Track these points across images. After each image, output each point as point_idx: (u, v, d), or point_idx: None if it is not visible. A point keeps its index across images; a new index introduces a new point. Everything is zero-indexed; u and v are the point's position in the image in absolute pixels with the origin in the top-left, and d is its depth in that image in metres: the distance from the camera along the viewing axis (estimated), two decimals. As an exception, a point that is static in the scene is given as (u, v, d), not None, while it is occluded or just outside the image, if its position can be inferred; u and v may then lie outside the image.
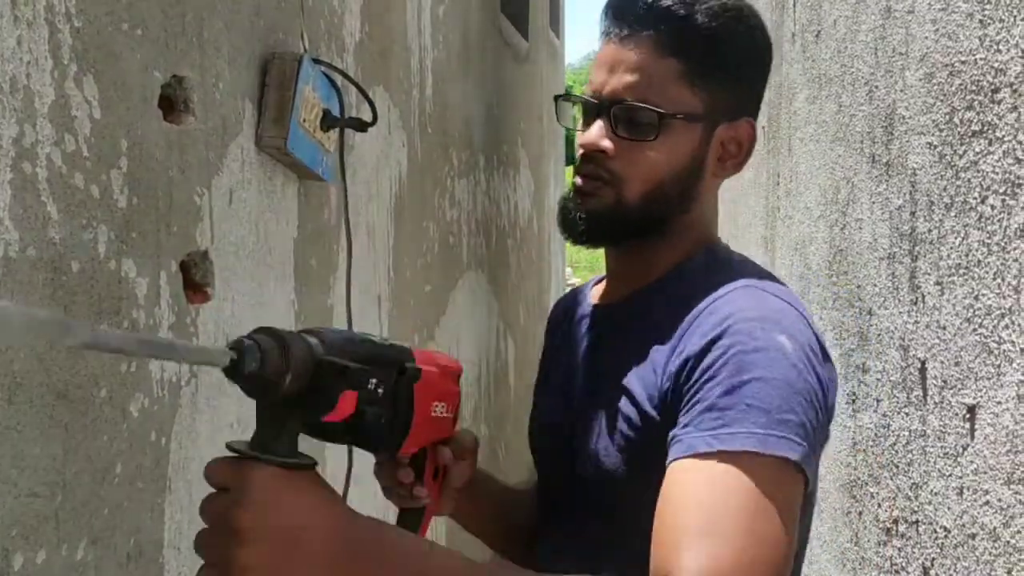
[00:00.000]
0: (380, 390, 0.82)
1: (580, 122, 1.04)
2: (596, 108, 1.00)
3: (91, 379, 1.05)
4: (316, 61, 1.58)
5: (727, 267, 0.99)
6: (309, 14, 1.68)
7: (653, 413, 0.92)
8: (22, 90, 0.92)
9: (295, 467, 0.72)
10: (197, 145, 1.30)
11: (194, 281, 1.31)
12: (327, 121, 1.61)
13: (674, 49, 0.96)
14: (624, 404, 0.95)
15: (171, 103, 1.24)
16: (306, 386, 0.72)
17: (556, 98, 1.12)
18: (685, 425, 0.85)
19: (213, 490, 0.73)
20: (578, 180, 1.03)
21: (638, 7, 0.98)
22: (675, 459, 0.84)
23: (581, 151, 1.02)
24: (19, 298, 0.92)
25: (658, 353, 0.94)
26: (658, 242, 1.03)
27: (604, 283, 1.13)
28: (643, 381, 0.94)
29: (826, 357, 0.92)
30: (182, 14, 1.25)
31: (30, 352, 0.94)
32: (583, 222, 1.02)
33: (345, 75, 1.67)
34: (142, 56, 1.15)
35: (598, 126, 1.00)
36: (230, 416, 1.42)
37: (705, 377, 0.86)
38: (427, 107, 2.84)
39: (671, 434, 0.87)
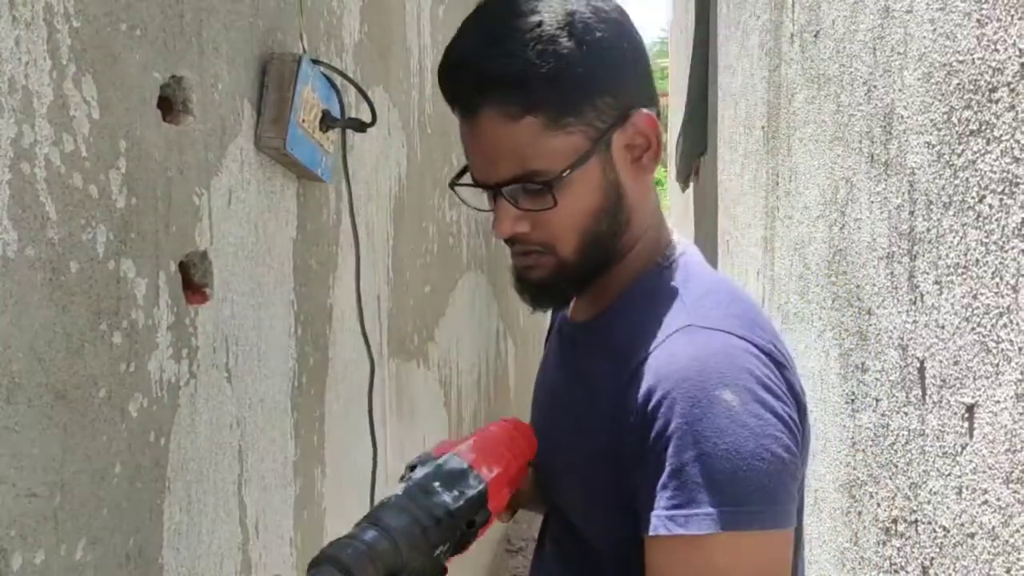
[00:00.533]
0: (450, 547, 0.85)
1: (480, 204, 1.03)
2: (492, 195, 0.98)
3: (90, 379, 1.05)
4: (315, 62, 1.59)
5: (670, 296, 0.96)
6: (308, 14, 1.68)
7: (607, 445, 0.91)
8: (20, 90, 0.92)
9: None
10: (196, 145, 1.30)
11: (193, 282, 1.31)
12: (326, 122, 1.61)
13: (523, 109, 0.91)
14: (582, 436, 0.95)
15: (170, 103, 1.24)
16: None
17: (451, 186, 1.08)
18: (650, 499, 0.85)
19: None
20: (515, 261, 1.02)
21: (467, 85, 0.94)
22: (645, 535, 0.85)
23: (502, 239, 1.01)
24: (14, 300, 0.92)
25: (606, 393, 0.93)
26: (616, 265, 1.01)
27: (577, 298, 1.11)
28: (595, 414, 0.94)
29: (784, 365, 0.90)
30: (181, 14, 1.25)
31: (29, 352, 0.94)
32: (539, 294, 1.02)
33: (344, 75, 1.67)
34: (141, 56, 1.15)
35: (503, 211, 0.97)
36: (229, 417, 1.42)
37: (656, 447, 0.85)
38: (427, 107, 2.84)
39: (639, 501, 0.86)
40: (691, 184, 5.20)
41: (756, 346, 0.88)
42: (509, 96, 0.90)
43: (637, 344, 0.91)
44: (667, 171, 15.22)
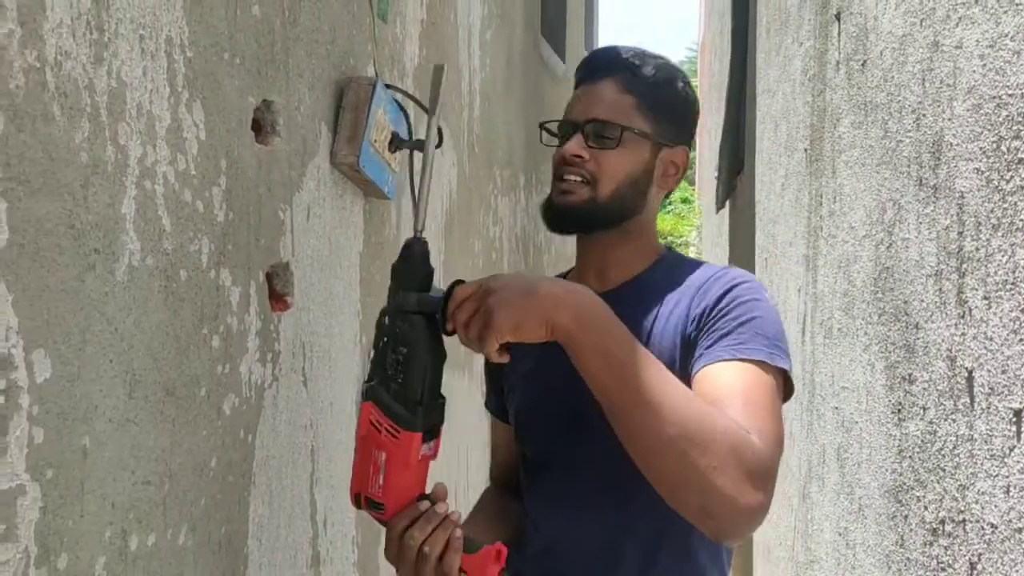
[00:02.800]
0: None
1: (559, 141, 1.33)
2: (572, 128, 1.30)
3: (194, 378, 1.14)
4: (387, 86, 1.68)
5: (693, 261, 1.32)
6: (377, 41, 1.78)
7: (685, 354, 1.18)
8: (145, 115, 1.02)
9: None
10: (282, 164, 1.39)
11: (276, 290, 1.40)
12: (395, 143, 1.70)
13: (629, 89, 1.28)
14: (661, 357, 1.15)
15: (260, 126, 1.34)
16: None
17: (541, 124, 1.39)
18: (709, 346, 1.14)
19: None
20: (561, 183, 1.29)
21: (604, 59, 1.32)
22: (703, 366, 1.13)
23: (561, 158, 1.29)
24: (137, 304, 1.01)
25: (674, 315, 1.22)
26: (624, 243, 1.31)
27: (574, 280, 1.35)
28: (668, 338, 1.21)
29: None
30: (272, 43, 1.35)
31: (147, 351, 1.03)
32: (563, 216, 1.29)
33: (416, 100, 1.76)
34: (239, 82, 1.25)
35: (576, 139, 1.28)
36: (304, 418, 1.51)
37: (720, 315, 1.16)
38: (475, 127, 2.94)
39: (696, 355, 1.15)
40: (727, 204, 5.26)
41: None
42: (627, 77, 1.29)
43: (692, 279, 1.24)
44: (696, 191, 15.23)
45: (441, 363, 1.10)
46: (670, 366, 1.15)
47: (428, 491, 1.17)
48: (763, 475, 1.02)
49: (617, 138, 1.26)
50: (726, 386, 1.09)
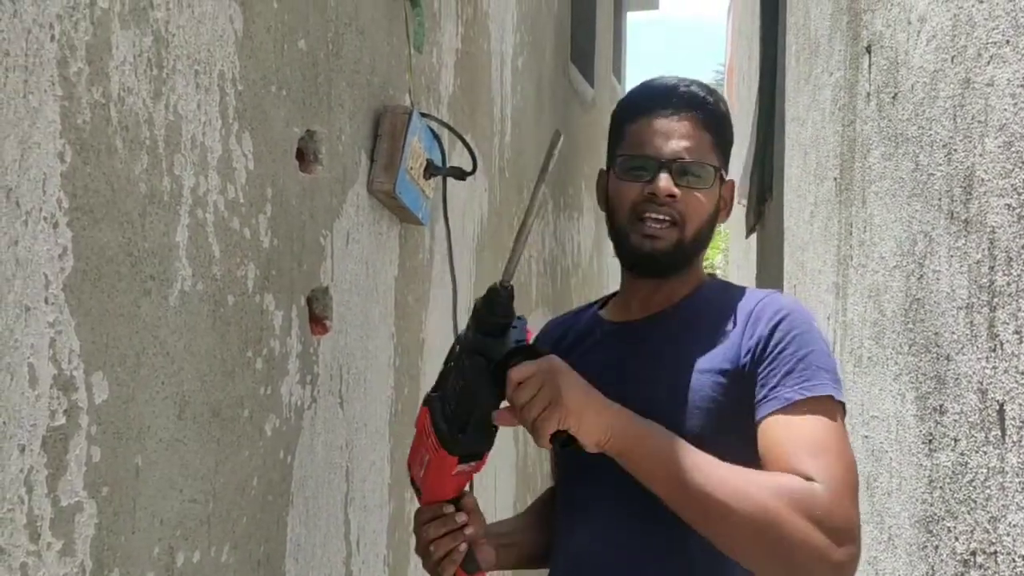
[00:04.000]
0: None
1: (629, 175, 1.29)
2: (658, 165, 1.25)
3: (238, 400, 1.18)
4: (423, 115, 1.72)
5: (737, 287, 1.31)
6: (414, 70, 1.83)
7: (732, 380, 1.18)
8: (199, 146, 1.06)
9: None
10: (323, 192, 1.43)
11: (316, 314, 1.44)
12: (430, 170, 1.74)
13: (707, 126, 1.27)
14: (704, 380, 1.19)
15: (304, 155, 1.38)
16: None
17: (618, 154, 1.32)
18: (774, 387, 1.14)
19: None
20: (648, 223, 1.25)
21: (681, 95, 1.28)
22: (773, 411, 1.12)
23: (650, 195, 1.25)
24: (187, 328, 1.05)
25: (722, 342, 1.21)
26: (679, 274, 1.30)
27: (618, 306, 1.37)
28: (718, 362, 1.20)
29: None
30: (316, 75, 1.39)
31: (195, 373, 1.07)
32: (651, 260, 1.26)
33: (452, 130, 1.80)
34: (285, 113, 1.29)
35: (665, 177, 1.24)
36: (340, 439, 1.54)
37: (777, 349, 1.16)
38: (506, 153, 2.98)
39: (760, 395, 1.15)
40: (756, 231, 5.26)
41: None
42: (705, 114, 1.28)
43: (741, 303, 1.24)
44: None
45: (495, 404, 1.11)
46: (712, 392, 1.18)
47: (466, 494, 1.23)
48: (842, 528, 1.02)
49: (710, 178, 1.25)
50: (798, 436, 1.09)
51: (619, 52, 7.91)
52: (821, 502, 1.02)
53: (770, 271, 4.24)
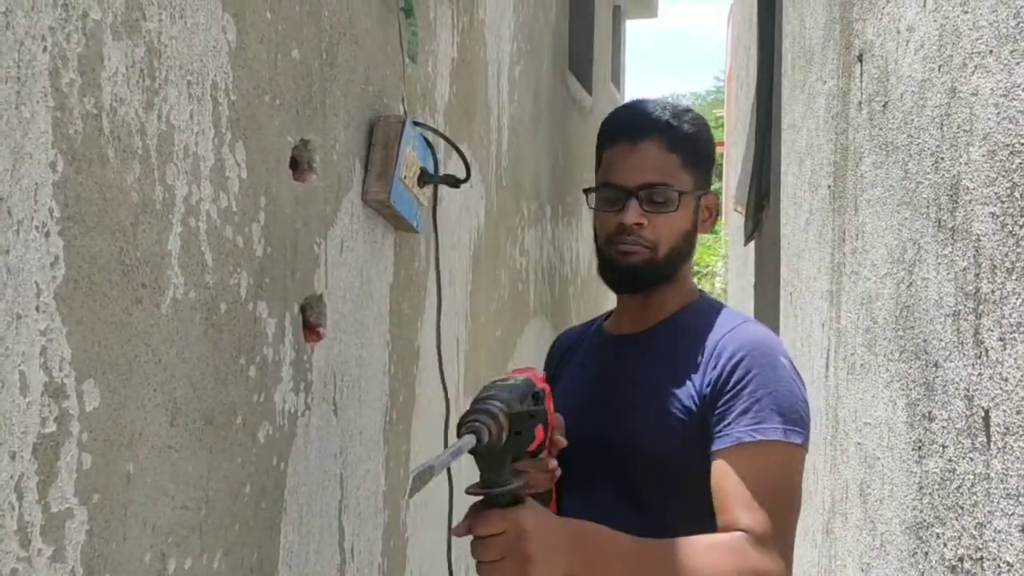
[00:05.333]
0: (535, 415, 1.11)
1: (601, 204, 1.37)
2: (627, 195, 1.33)
3: (231, 407, 1.18)
4: (416, 123, 1.73)
5: (722, 310, 1.37)
6: (409, 79, 1.84)
7: (696, 405, 1.26)
8: (192, 156, 1.07)
9: (521, 492, 1.07)
10: (317, 200, 1.44)
11: (309, 322, 1.45)
12: (424, 178, 1.75)
13: (674, 148, 1.33)
14: (673, 404, 1.27)
15: (297, 163, 1.39)
16: (511, 433, 1.04)
17: (587, 190, 1.41)
18: (728, 424, 1.22)
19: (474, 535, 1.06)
20: (620, 247, 1.33)
21: (645, 120, 1.35)
22: (724, 448, 1.21)
23: (619, 226, 1.33)
24: (179, 335, 1.06)
25: (691, 367, 1.28)
26: (667, 287, 1.37)
27: (614, 319, 1.46)
28: (686, 388, 1.27)
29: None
30: (310, 85, 1.40)
31: (187, 381, 1.08)
32: (626, 276, 1.35)
33: (447, 139, 1.81)
34: (279, 123, 1.30)
35: (632, 207, 1.32)
36: (334, 446, 1.54)
37: (736, 389, 1.22)
38: (503, 161, 2.99)
39: (716, 429, 1.22)
40: (754, 238, 5.27)
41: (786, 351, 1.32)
42: (670, 137, 1.34)
43: (712, 332, 1.30)
44: (723, 221, 15.21)
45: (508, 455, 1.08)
46: (680, 415, 1.26)
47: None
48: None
49: (675, 201, 1.32)
50: (736, 486, 1.18)
51: (618, 60, 7.93)
52: (750, 558, 1.13)
53: (768, 278, 4.26)
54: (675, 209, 1.32)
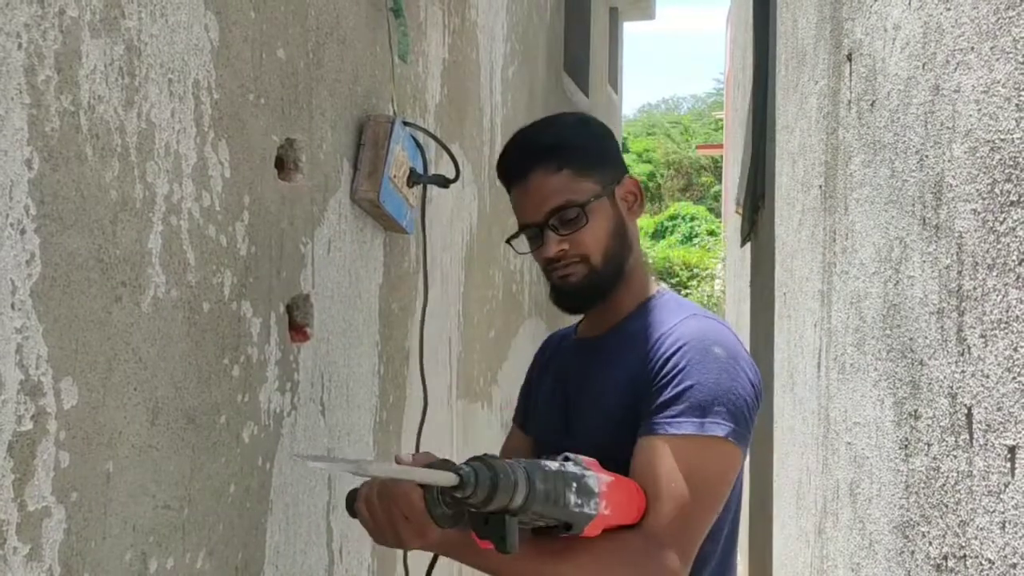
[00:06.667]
0: (541, 522, 1.07)
1: (530, 245, 1.40)
2: (539, 230, 1.35)
3: (214, 407, 1.18)
4: (405, 123, 1.73)
5: (675, 305, 1.38)
6: (398, 80, 1.84)
7: (637, 399, 1.28)
8: (173, 154, 1.07)
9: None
10: (304, 200, 1.44)
11: (296, 322, 1.44)
12: (413, 178, 1.75)
13: (559, 166, 1.33)
14: (617, 400, 1.31)
15: (283, 163, 1.39)
16: (486, 514, 0.99)
17: (508, 240, 1.47)
18: (650, 412, 1.24)
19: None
20: (558, 275, 1.36)
21: (524, 155, 1.37)
22: (642, 435, 1.24)
23: (545, 261, 1.36)
24: (161, 334, 1.06)
25: (635, 365, 1.30)
26: (620, 287, 1.38)
27: (583, 322, 1.51)
28: (630, 383, 1.30)
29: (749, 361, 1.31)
30: (295, 84, 1.40)
31: (169, 380, 1.07)
32: (574, 297, 1.38)
33: (436, 139, 1.81)
34: (263, 122, 1.30)
35: (548, 238, 1.34)
36: (322, 447, 1.54)
37: (663, 381, 1.24)
38: (496, 161, 2.99)
39: (643, 415, 1.25)
40: (750, 239, 5.27)
41: (736, 338, 1.31)
42: (548, 159, 1.34)
43: (657, 328, 1.32)
44: (722, 223, 15.22)
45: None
46: (622, 410, 1.28)
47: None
48: (657, 572, 1.15)
49: (584, 214, 1.32)
50: (642, 476, 1.21)
51: (615, 62, 7.94)
52: (637, 555, 1.15)
53: (763, 279, 4.25)
54: (587, 222, 1.33)
